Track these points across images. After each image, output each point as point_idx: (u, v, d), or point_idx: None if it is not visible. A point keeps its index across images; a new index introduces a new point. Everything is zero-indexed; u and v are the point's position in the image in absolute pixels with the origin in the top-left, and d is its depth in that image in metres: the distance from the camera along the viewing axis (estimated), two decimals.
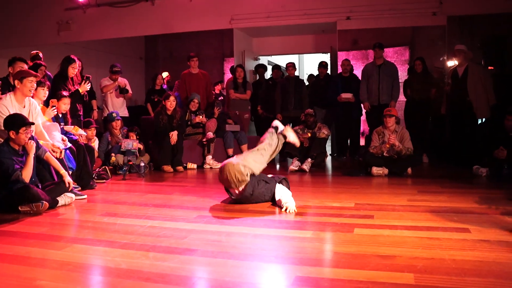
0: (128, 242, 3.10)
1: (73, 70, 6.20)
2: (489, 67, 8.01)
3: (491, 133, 6.53)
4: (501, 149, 5.86)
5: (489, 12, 8.30)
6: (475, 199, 4.45)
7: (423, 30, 8.86)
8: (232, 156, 7.43)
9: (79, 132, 5.79)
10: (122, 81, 7.89)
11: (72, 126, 5.79)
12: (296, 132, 7.05)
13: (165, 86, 8.89)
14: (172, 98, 7.13)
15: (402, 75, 8.18)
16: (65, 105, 5.67)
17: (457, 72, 7.12)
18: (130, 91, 7.96)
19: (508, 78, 7.28)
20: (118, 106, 7.84)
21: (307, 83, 9.82)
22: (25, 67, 5.55)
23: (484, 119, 7.69)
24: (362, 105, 8.05)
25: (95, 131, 6.76)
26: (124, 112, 7.98)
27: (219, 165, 7.17)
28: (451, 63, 7.78)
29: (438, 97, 7.67)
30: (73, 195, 4.54)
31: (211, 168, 7.24)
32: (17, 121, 4.19)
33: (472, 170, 6.19)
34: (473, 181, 5.80)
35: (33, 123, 4.39)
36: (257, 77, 9.74)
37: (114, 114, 7.22)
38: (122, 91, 7.78)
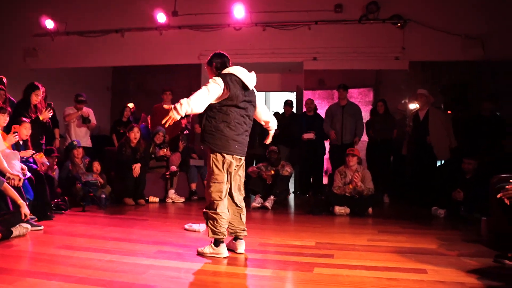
0: (85, 277, 3.02)
1: (37, 97, 6.10)
2: (448, 111, 8.29)
3: (449, 175, 6.73)
4: (458, 191, 6.05)
5: (450, 59, 8.70)
6: (433, 240, 4.56)
7: (386, 73, 9.16)
8: (195, 191, 7.44)
9: (42, 160, 5.65)
10: (86, 110, 7.81)
11: (34, 153, 5.64)
12: (259, 169, 7.13)
13: (130, 118, 8.83)
14: (136, 129, 7.09)
15: (366, 115, 8.38)
16: (26, 129, 5.50)
17: (418, 115, 7.36)
18: (93, 121, 7.88)
19: (467, 122, 7.56)
20: (81, 136, 7.72)
21: None
22: None
23: (443, 161, 7.92)
24: (329, 136, 8.14)
25: (56, 160, 6.63)
26: (87, 142, 7.84)
27: (181, 199, 7.15)
28: (413, 106, 8.04)
29: (399, 138, 7.88)
30: (28, 226, 4.39)
31: (173, 202, 7.16)
32: None
33: (431, 211, 6.34)
34: (432, 222, 5.96)
35: None
36: None
37: (75, 143, 7.12)
38: (84, 120, 7.69)
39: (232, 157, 3.81)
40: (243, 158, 3.95)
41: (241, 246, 3.85)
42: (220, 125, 3.80)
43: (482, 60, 8.34)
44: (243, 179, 4.00)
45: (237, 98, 3.79)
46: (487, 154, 6.72)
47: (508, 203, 3.50)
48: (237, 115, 3.83)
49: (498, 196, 3.57)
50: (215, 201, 3.70)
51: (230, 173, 3.82)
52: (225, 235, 3.72)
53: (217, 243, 3.70)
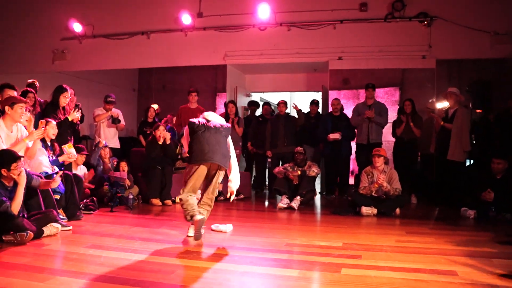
0: (113, 276, 3.06)
1: (65, 99, 6.20)
2: (477, 110, 8.13)
3: (478, 175, 6.60)
4: (488, 192, 5.93)
5: (476, 57, 8.53)
6: (463, 241, 4.47)
7: (412, 72, 9.04)
8: (221, 191, 7.46)
9: (71, 150, 5.68)
10: (116, 111, 7.92)
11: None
12: (285, 169, 7.11)
13: (156, 119, 8.93)
14: (161, 128, 7.17)
15: (392, 115, 8.29)
16: (52, 129, 5.59)
17: (448, 113, 7.25)
18: (122, 122, 7.99)
19: (496, 121, 7.41)
20: (110, 137, 7.84)
21: None
22: (14, 93, 5.57)
23: (472, 161, 7.78)
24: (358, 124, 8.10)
25: (85, 158, 6.73)
26: (116, 143, 7.98)
27: None
28: (441, 104, 7.91)
29: (427, 136, 7.75)
30: (59, 226, 4.49)
31: (199, 202, 7.18)
32: (7, 158, 4.17)
33: (460, 211, 6.23)
34: (461, 223, 5.84)
35: (22, 156, 4.38)
36: (249, 113, 9.83)
37: (102, 142, 7.21)
38: (114, 121, 7.80)
39: None
40: None
41: None
42: None
43: (511, 57, 8.16)
44: None
45: None
46: None
47: None
48: None
49: None
50: None
51: None
52: None
53: None
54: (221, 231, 4.83)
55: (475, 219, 5.97)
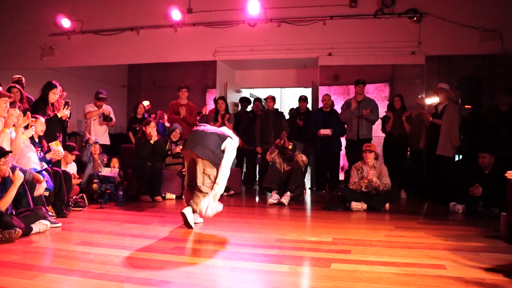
0: (103, 273, 3.05)
1: (54, 96, 6.15)
2: (466, 106, 8.19)
3: (467, 170, 6.65)
4: (476, 186, 5.98)
5: (466, 53, 8.60)
6: (452, 235, 4.51)
7: (402, 68, 9.09)
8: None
9: (58, 148, 5.63)
10: (107, 108, 7.89)
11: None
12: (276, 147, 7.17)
13: (146, 115, 8.90)
14: (152, 124, 7.14)
15: (382, 111, 8.33)
16: (41, 125, 5.54)
17: (437, 109, 7.28)
18: (113, 119, 7.96)
19: (484, 116, 7.47)
20: (100, 133, 7.80)
21: (287, 117, 9.91)
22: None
23: (461, 156, 7.83)
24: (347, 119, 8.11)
25: (75, 157, 6.68)
26: (106, 140, 7.95)
27: None
28: (430, 100, 7.96)
29: (417, 132, 7.79)
30: (48, 223, 4.45)
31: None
32: None
33: (448, 206, 6.28)
34: (450, 218, 5.89)
35: (11, 151, 4.35)
36: (239, 109, 9.83)
37: (92, 139, 7.17)
38: (105, 118, 7.76)
39: None
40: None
41: None
42: None
43: (500, 53, 8.23)
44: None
45: None
46: (506, 148, 6.62)
47: None
48: None
49: (508, 173, 3.51)
50: None
51: None
52: None
53: None
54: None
55: (464, 214, 6.02)
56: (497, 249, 3.94)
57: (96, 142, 7.19)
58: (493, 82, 8.46)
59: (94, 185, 6.54)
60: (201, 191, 4.70)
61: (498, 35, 8.19)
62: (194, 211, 4.74)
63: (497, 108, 7.14)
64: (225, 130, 5.05)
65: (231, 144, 4.85)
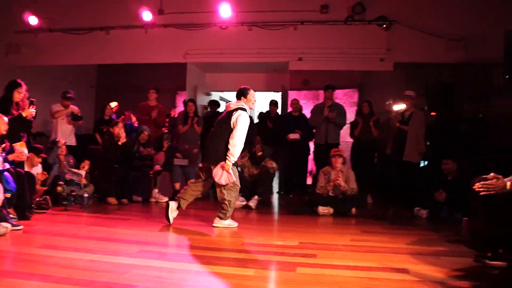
0: (65, 277, 2.99)
1: (19, 95, 5.97)
2: (432, 113, 8.37)
3: (432, 176, 6.79)
4: (440, 192, 6.12)
5: (432, 61, 8.80)
6: (416, 240, 4.60)
7: (371, 74, 9.24)
8: (179, 190, 7.39)
9: (22, 149, 5.48)
10: (75, 108, 7.73)
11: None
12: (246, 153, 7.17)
13: (113, 116, 8.77)
14: (120, 125, 7.05)
15: (351, 116, 8.43)
16: (4, 125, 5.35)
17: (404, 115, 7.41)
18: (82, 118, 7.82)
19: (449, 123, 7.65)
20: (67, 134, 7.60)
21: (257, 121, 9.94)
22: None
23: (426, 162, 7.99)
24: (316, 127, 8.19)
25: (41, 160, 6.51)
26: (72, 141, 7.75)
27: (165, 199, 7.11)
28: (398, 106, 8.10)
29: (383, 139, 7.92)
30: (9, 225, 4.32)
31: (156, 202, 7.12)
32: None
33: (413, 211, 6.40)
34: (414, 222, 6.01)
35: None
36: (209, 112, 9.80)
37: (57, 139, 6.99)
38: (75, 117, 7.60)
39: None
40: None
41: None
42: None
43: (464, 62, 8.45)
44: None
45: None
46: (469, 155, 6.79)
47: (483, 194, 3.55)
48: None
49: (475, 185, 3.61)
50: None
51: None
52: None
53: None
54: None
55: (428, 219, 6.15)
56: (459, 253, 4.03)
57: (64, 143, 7.04)
58: (458, 90, 8.67)
59: (59, 188, 6.38)
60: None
61: (463, 45, 8.41)
62: (220, 218, 5.11)
63: (461, 115, 7.33)
64: (234, 104, 5.19)
65: (240, 116, 4.99)
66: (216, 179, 4.97)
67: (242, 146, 4.99)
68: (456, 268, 3.49)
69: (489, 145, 7.33)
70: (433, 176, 6.72)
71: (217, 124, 5.21)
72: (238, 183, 5.09)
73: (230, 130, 4.98)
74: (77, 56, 9.99)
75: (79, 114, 7.70)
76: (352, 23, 9.00)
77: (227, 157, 4.92)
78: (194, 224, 5.31)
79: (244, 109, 5.09)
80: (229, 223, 5.11)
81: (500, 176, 3.52)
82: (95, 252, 3.70)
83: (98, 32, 9.82)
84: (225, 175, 4.93)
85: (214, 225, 5.09)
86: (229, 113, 5.09)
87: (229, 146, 4.93)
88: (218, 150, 5.00)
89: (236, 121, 4.97)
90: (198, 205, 7.05)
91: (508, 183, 3.47)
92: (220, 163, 4.94)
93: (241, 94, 5.24)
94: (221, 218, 5.10)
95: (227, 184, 4.98)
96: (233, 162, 4.98)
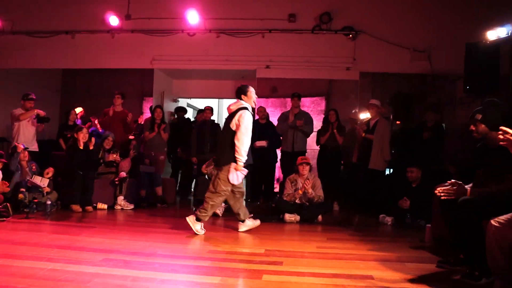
0: (25, 287, 2.90)
1: None
2: (397, 122, 8.53)
3: (396, 183, 6.92)
4: (404, 199, 6.23)
5: (397, 71, 9.01)
6: (380, 246, 4.67)
7: (338, 83, 9.36)
8: (145, 197, 7.30)
9: None
10: (40, 111, 7.52)
11: None
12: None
13: (78, 121, 8.62)
14: (85, 130, 6.93)
15: (318, 124, 8.51)
16: None
17: (369, 124, 7.53)
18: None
19: (412, 131, 7.81)
20: (29, 140, 7.39)
21: None
22: None
23: (391, 170, 8.13)
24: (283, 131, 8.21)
25: (2, 165, 6.32)
26: (34, 146, 7.53)
27: (130, 206, 7.01)
28: (363, 115, 8.22)
29: (349, 147, 8.02)
30: None
31: (122, 209, 7.01)
32: None
33: (378, 218, 6.49)
34: (379, 229, 6.11)
35: None
36: (175, 118, 9.74)
37: (20, 145, 6.79)
38: (41, 120, 7.41)
39: None
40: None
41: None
42: None
43: (428, 73, 8.67)
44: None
45: None
46: (432, 163, 6.95)
47: (443, 198, 3.66)
48: None
49: (436, 191, 3.70)
50: None
51: None
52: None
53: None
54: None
55: (392, 226, 6.25)
56: (422, 259, 4.12)
57: (26, 148, 6.84)
58: (422, 100, 8.88)
59: (20, 195, 6.19)
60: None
61: (427, 56, 8.63)
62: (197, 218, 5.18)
63: (424, 124, 7.49)
64: (234, 105, 5.27)
65: (241, 116, 5.07)
66: (231, 181, 5.15)
67: (248, 144, 5.10)
68: (420, 273, 3.56)
69: (450, 153, 7.54)
70: (398, 183, 6.84)
71: (222, 131, 5.41)
72: (243, 188, 5.41)
73: (233, 133, 5.07)
74: (41, 60, 9.79)
75: (46, 116, 7.51)
76: (319, 32, 9.12)
77: (236, 158, 5.06)
78: (159, 231, 5.27)
79: (245, 108, 5.16)
80: (198, 228, 5.13)
81: (460, 182, 3.63)
82: (57, 261, 3.61)
83: (63, 36, 9.66)
84: (235, 175, 5.12)
85: (187, 218, 5.17)
86: (231, 116, 5.19)
87: (236, 148, 5.05)
88: (225, 155, 5.15)
89: (238, 121, 5.06)
90: (165, 212, 7.01)
91: (468, 190, 3.57)
92: (232, 164, 5.09)
93: (241, 92, 5.34)
94: (197, 219, 5.16)
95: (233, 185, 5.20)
96: (242, 160, 5.09)
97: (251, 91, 5.36)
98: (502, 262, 2.85)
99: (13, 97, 8.55)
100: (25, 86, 9.85)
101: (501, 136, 2.83)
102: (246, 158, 5.13)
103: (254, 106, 5.48)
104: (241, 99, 5.29)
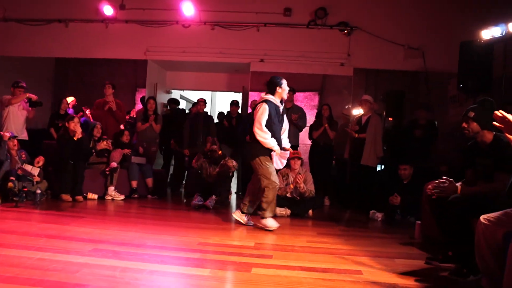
0: (12, 276, 2.88)
1: None
2: (389, 118, 8.55)
3: (388, 180, 6.94)
4: (395, 196, 6.25)
5: (391, 68, 9.03)
6: (370, 242, 4.71)
7: (331, 78, 9.37)
8: (136, 188, 7.27)
9: None
10: (32, 95, 7.43)
11: None
12: (202, 164, 7.11)
13: (70, 111, 8.55)
14: (76, 120, 6.88)
15: (311, 119, 8.51)
16: None
17: (361, 120, 7.54)
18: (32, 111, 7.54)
19: (404, 129, 7.83)
20: (18, 128, 7.29)
21: (216, 120, 9.92)
22: None
23: (383, 166, 8.16)
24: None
25: None
26: (24, 135, 7.45)
27: (121, 197, 6.99)
28: (357, 111, 8.24)
29: (341, 142, 8.03)
30: None
31: (113, 199, 6.98)
32: None
33: (369, 214, 6.52)
34: (369, 225, 6.14)
35: None
36: (168, 110, 9.70)
37: (7, 133, 6.70)
38: (34, 104, 7.33)
39: None
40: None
41: None
42: None
43: (422, 70, 8.69)
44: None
45: None
46: (423, 160, 6.98)
47: (434, 197, 3.69)
48: None
49: (427, 188, 3.72)
50: None
51: None
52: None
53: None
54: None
55: (382, 222, 6.28)
56: (411, 256, 4.14)
57: (15, 137, 6.76)
58: (415, 97, 8.92)
59: (10, 183, 6.14)
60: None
61: (421, 53, 8.65)
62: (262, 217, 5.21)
63: (416, 121, 7.52)
64: (262, 98, 5.28)
65: (259, 108, 5.13)
66: (277, 167, 5.34)
67: (266, 132, 5.08)
68: (408, 270, 3.57)
69: (441, 151, 7.57)
70: (389, 180, 6.87)
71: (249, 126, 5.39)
72: (276, 180, 5.21)
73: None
74: (33, 48, 9.71)
75: (38, 100, 7.43)
76: (314, 27, 9.12)
77: (266, 148, 5.15)
78: (149, 223, 5.25)
79: (267, 101, 5.17)
80: (271, 224, 5.16)
81: (451, 179, 3.64)
82: (45, 250, 3.58)
83: (56, 24, 9.60)
84: (278, 160, 5.30)
85: (259, 223, 5.28)
86: (254, 109, 5.32)
87: (259, 141, 5.13)
88: (251, 147, 5.22)
89: (255, 113, 5.17)
90: (156, 204, 6.99)
91: (459, 187, 3.59)
92: (271, 153, 5.23)
93: (273, 85, 5.26)
94: (262, 217, 5.20)
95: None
96: (274, 147, 5.15)
97: (284, 83, 5.29)
98: (490, 260, 2.87)
99: (4, 86, 8.46)
100: (17, 75, 9.76)
101: (498, 115, 2.75)
102: (275, 143, 5.15)
103: (285, 99, 5.42)
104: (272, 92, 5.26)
